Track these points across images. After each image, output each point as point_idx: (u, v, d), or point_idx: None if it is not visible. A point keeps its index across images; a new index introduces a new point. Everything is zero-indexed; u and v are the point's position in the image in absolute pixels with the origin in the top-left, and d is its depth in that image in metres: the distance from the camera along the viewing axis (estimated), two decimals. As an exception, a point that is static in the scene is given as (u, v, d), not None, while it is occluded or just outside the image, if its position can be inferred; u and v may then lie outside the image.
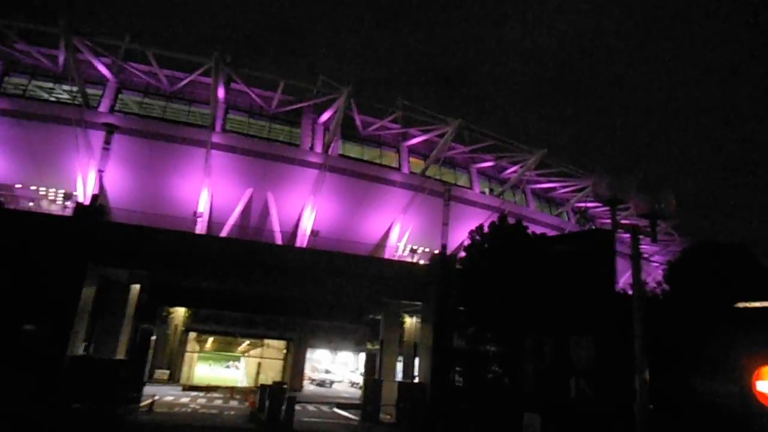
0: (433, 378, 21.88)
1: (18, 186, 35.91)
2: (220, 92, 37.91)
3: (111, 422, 16.46)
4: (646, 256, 60.10)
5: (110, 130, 28.65)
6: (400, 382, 25.93)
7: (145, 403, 22.18)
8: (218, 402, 29.15)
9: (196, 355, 45.71)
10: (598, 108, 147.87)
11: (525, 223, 47.57)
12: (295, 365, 37.74)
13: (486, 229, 22.76)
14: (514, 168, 47.59)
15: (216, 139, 36.82)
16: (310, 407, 28.98)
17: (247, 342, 46.48)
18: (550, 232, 49.80)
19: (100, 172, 27.18)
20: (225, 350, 48.67)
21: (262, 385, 24.04)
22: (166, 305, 27.34)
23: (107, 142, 28.44)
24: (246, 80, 38.37)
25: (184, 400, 28.88)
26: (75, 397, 17.63)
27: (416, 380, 27.01)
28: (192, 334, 40.14)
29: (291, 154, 39.18)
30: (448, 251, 33.96)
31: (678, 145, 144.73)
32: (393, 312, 29.48)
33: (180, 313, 37.65)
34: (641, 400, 8.52)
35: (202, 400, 29.70)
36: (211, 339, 44.84)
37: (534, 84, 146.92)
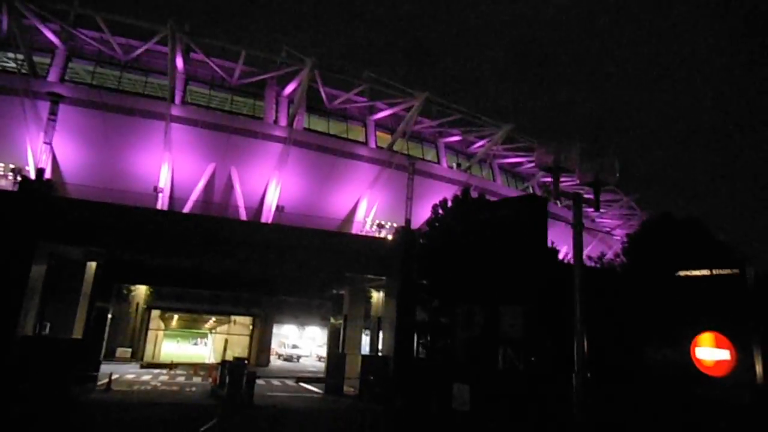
0: (396, 351, 22.07)
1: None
2: (179, 63, 36.47)
3: (63, 402, 15.98)
4: (607, 229, 61.77)
5: (55, 99, 27.24)
6: (363, 355, 26.15)
7: (102, 382, 21.65)
8: (181, 379, 28.77)
9: (161, 332, 45.03)
10: (568, 82, 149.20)
11: (491, 198, 48.33)
12: (261, 341, 37.54)
13: (450, 204, 22.77)
14: (481, 142, 47.72)
15: (175, 111, 35.54)
16: (275, 382, 28.97)
17: (214, 319, 45.96)
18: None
19: (46, 144, 25.86)
20: (192, 327, 48.11)
21: (222, 361, 23.68)
22: (125, 283, 26.43)
23: (53, 112, 27.06)
24: (206, 50, 37.00)
25: (146, 377, 28.37)
26: (25, 377, 17.01)
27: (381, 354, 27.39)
28: (156, 312, 39.30)
29: (254, 127, 38.23)
30: (416, 226, 33.98)
31: (647, 120, 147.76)
32: (358, 287, 29.46)
33: (141, 290, 36.73)
34: (579, 369, 8.57)
35: (164, 378, 29.24)
36: (176, 316, 44.14)
37: (504, 59, 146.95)
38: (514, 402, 14.54)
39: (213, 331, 47.43)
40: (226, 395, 19.26)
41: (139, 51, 35.29)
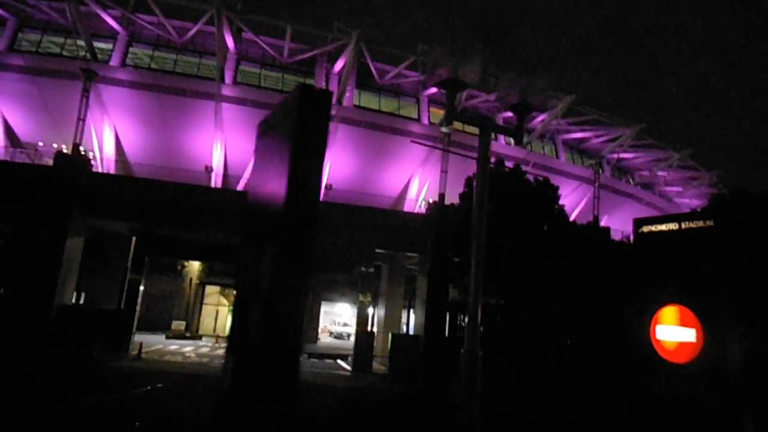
0: (426, 330, 21.17)
1: (40, 144, 36.66)
2: (229, 42, 36.92)
3: (91, 367, 16.69)
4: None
5: (89, 75, 28.29)
6: (393, 333, 25.46)
7: (134, 351, 22.48)
8: (220, 352, 29.37)
9: (224, 308, 46.89)
10: (654, 60, 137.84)
11: (554, 176, 45.46)
12: (309, 318, 37.93)
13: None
14: (542, 116, 44.82)
15: (225, 91, 36.14)
16: (314, 359, 29.11)
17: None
18: (583, 186, 47.26)
19: (81, 121, 26.93)
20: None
21: None
22: (159, 256, 27.27)
23: (86, 89, 28.09)
24: (253, 28, 37.14)
25: (187, 349, 29.22)
26: (58, 343, 17.98)
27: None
28: (214, 288, 40.68)
29: (304, 105, 38.10)
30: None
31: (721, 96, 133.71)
32: (397, 264, 28.66)
33: (194, 267, 38.24)
34: (468, 346, 6.94)
35: (205, 350, 30.04)
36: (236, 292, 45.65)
37: (587, 36, 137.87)
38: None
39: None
40: None
41: (191, 32, 36.03)
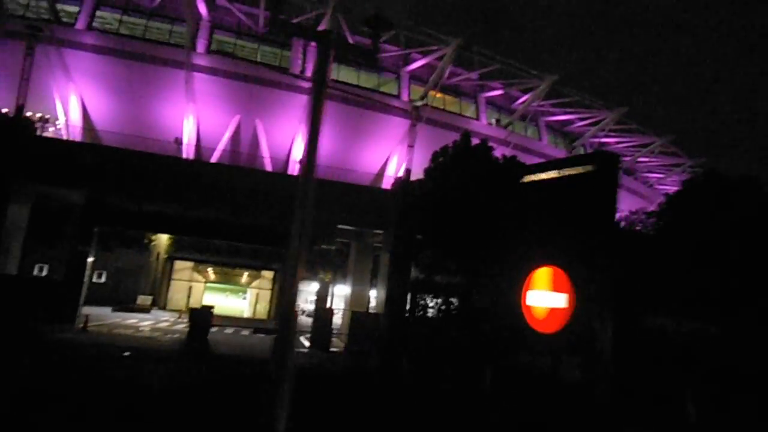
0: (386, 308, 20.65)
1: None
2: (202, 8, 35.56)
3: (29, 338, 16.00)
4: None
5: (32, 33, 26.85)
6: (353, 311, 25.00)
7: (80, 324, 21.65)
8: (180, 326, 28.50)
9: (199, 284, 46.09)
10: (650, 48, 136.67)
11: (536, 158, 44.87)
12: (280, 294, 36.98)
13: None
14: (525, 97, 44.12)
15: (198, 60, 34.90)
16: (229, 330, 28.79)
17: (247, 273, 46.45)
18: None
19: (24, 81, 25.63)
20: (230, 282, 48.71)
21: (191, 309, 22.86)
22: (107, 226, 26.16)
23: (30, 47, 26.71)
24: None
25: (145, 323, 28.37)
26: (-4, 313, 17.21)
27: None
28: (186, 263, 39.75)
29: (279, 78, 36.99)
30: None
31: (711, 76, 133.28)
32: (365, 242, 28.03)
33: (162, 240, 37.30)
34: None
35: (164, 324, 29.22)
36: (210, 269, 44.92)
37: (585, 23, 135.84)
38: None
39: (249, 285, 48.08)
40: (185, 344, 18.64)
41: (162, -3, 34.60)
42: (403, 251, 19.59)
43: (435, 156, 19.93)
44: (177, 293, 39.92)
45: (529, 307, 6.37)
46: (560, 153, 47.21)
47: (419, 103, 36.49)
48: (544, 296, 6.21)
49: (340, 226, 25.70)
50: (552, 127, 49.44)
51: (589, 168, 6.71)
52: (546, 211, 7.16)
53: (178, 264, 39.91)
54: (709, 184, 25.52)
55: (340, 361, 20.36)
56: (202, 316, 19.47)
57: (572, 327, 5.71)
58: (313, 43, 28.48)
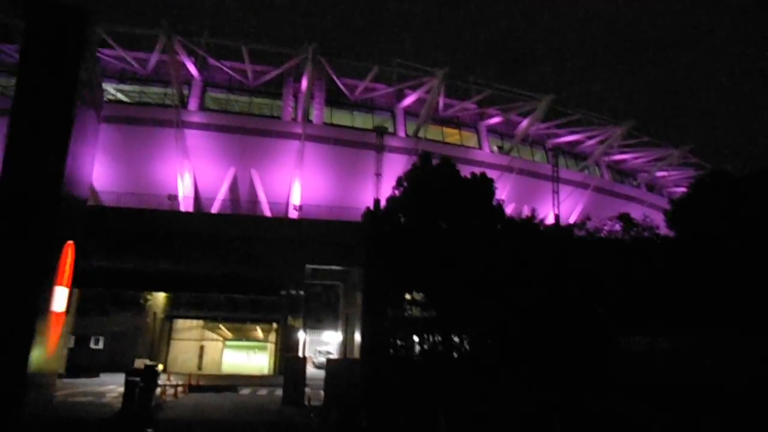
0: (363, 353, 18.92)
1: None
2: (192, 69, 36.66)
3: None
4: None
5: None
6: (328, 359, 23.11)
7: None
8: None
9: (216, 343, 45.06)
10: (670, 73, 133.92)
11: (544, 182, 43.03)
12: (285, 348, 35.21)
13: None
14: (525, 121, 42.91)
15: (190, 118, 35.68)
16: (245, 390, 26.82)
17: (260, 327, 45.32)
18: (578, 191, 44.71)
19: None
20: (245, 337, 47.42)
21: (131, 370, 20.72)
22: (87, 287, 25.44)
23: None
24: (216, 53, 36.86)
25: (109, 387, 26.54)
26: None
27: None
28: (187, 322, 38.53)
29: (271, 126, 37.33)
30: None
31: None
32: (352, 282, 26.67)
33: (159, 299, 36.62)
34: None
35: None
36: (222, 326, 44.03)
37: (606, 54, 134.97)
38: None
39: (260, 340, 46.80)
40: (119, 410, 17.04)
41: (152, 62, 35.94)
42: (375, 288, 18.23)
43: (398, 181, 18.89)
44: (180, 354, 38.67)
45: None
46: (571, 174, 45.30)
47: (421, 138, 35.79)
48: None
49: (311, 266, 24.57)
50: (561, 150, 47.70)
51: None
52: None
53: (179, 323, 38.85)
54: (716, 184, 23.48)
55: (299, 420, 18.16)
56: (147, 375, 18.18)
57: None
58: (302, 89, 28.02)
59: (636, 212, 45.53)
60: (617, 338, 15.95)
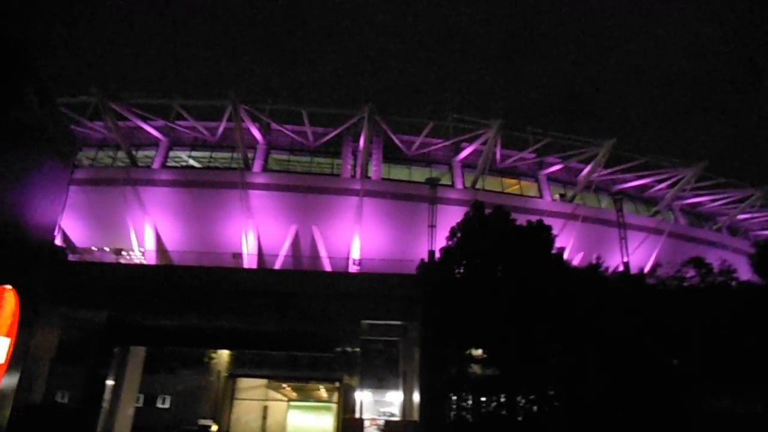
0: (422, 414, 17.91)
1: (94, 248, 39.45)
2: (257, 134, 38.81)
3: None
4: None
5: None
6: (386, 420, 22.01)
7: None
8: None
9: (281, 403, 44.48)
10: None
11: (613, 230, 41.00)
12: (347, 409, 34.09)
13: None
14: (586, 168, 41.61)
15: (254, 179, 37.36)
16: None
17: (323, 386, 44.56)
18: (651, 237, 42.22)
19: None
20: (306, 398, 46.57)
21: (184, 429, 20.24)
22: (127, 345, 25.92)
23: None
24: (279, 118, 38.92)
25: None
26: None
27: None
28: (251, 381, 38.31)
29: (331, 184, 38.37)
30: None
31: None
32: (411, 338, 25.72)
33: (223, 357, 36.86)
34: None
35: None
36: (285, 385, 43.66)
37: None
38: None
39: (330, 400, 45.77)
40: None
41: (220, 130, 38.38)
42: (431, 343, 17.53)
43: (452, 232, 18.53)
44: (243, 414, 38.25)
45: None
46: (643, 220, 42.98)
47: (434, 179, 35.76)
48: None
49: (367, 321, 24.09)
50: (630, 195, 45.61)
51: None
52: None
53: (242, 382, 38.73)
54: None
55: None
56: None
57: None
58: (360, 148, 28.67)
59: (713, 257, 42.45)
60: (699, 398, 14.26)
